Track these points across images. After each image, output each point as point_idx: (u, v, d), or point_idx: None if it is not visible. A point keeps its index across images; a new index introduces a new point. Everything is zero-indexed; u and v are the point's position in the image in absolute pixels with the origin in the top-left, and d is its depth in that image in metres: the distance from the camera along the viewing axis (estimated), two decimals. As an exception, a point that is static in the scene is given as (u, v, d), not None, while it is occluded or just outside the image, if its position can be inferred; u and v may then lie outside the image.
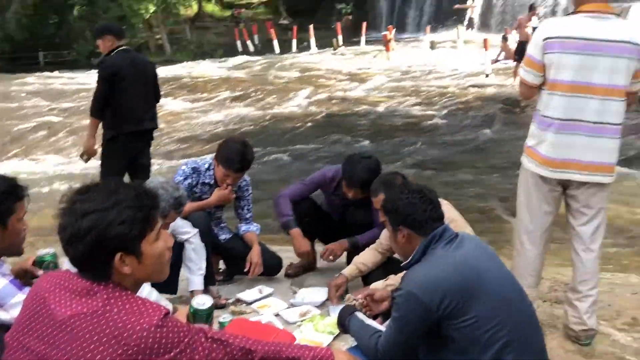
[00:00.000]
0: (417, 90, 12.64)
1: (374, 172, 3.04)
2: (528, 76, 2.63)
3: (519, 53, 12.04)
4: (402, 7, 30.15)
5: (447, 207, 2.47)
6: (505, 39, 15.92)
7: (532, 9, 12.81)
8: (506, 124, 9.42)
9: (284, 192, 3.30)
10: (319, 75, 15.72)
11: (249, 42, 25.68)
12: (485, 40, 14.20)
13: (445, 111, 10.59)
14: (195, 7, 33.89)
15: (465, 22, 25.30)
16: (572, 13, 2.53)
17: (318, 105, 11.64)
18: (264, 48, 24.95)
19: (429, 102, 11.38)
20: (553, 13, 21.72)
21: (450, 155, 7.83)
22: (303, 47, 24.43)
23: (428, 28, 21.84)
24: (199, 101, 12.62)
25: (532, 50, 2.60)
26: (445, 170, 7.10)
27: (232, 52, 25.09)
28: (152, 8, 22.86)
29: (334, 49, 23.09)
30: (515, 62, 13.78)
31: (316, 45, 24.01)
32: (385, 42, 18.42)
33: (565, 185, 2.59)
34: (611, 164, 2.52)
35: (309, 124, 10.07)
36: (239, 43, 26.10)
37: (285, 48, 23.85)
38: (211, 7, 37.57)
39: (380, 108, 11.16)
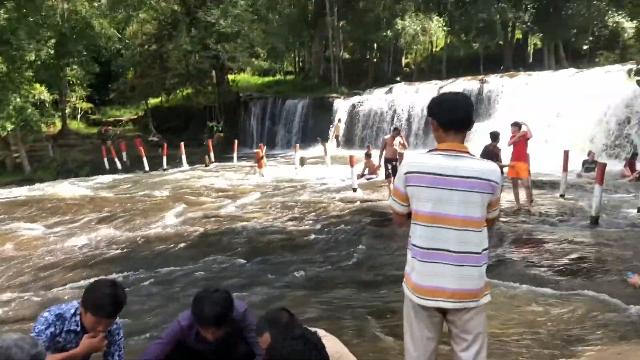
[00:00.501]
0: (291, 206, 12.92)
1: (224, 305, 3.00)
2: (395, 205, 2.83)
3: (388, 170, 13.08)
4: (272, 126, 31.56)
5: (331, 341, 2.45)
6: (368, 155, 17.11)
7: (396, 129, 14.08)
8: (377, 237, 9.82)
9: (142, 359, 3.14)
10: (191, 192, 15.58)
11: (116, 160, 25.02)
12: (350, 157, 15.09)
13: (318, 226, 10.84)
14: (59, 124, 32.74)
15: (332, 140, 27.06)
16: (431, 151, 2.79)
17: (192, 224, 11.40)
18: (133, 166, 24.47)
19: (302, 218, 11.62)
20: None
21: (325, 272, 7.91)
22: (174, 164, 24.32)
23: (297, 146, 22.87)
24: (61, 224, 11.83)
25: (397, 181, 2.81)
26: (321, 288, 7.11)
27: (99, 170, 24.30)
28: (9, 126, 21.67)
29: (206, 166, 23.23)
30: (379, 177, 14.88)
31: (187, 162, 24.03)
32: (258, 159, 18.92)
33: (443, 310, 2.69)
34: (476, 290, 2.68)
35: (182, 245, 9.77)
36: (106, 161, 25.39)
37: (155, 165, 23.56)
38: (76, 124, 36.57)
39: (256, 224, 11.18)
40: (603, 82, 20.72)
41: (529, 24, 36.48)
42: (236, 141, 26.21)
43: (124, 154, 25.77)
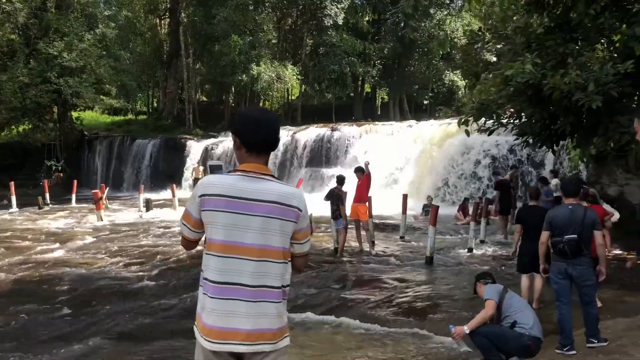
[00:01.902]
0: (127, 251, 11.98)
1: None
2: (185, 229, 2.50)
3: None
4: (119, 166, 29.79)
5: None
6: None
7: None
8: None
9: None
10: (14, 236, 13.88)
11: None
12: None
13: (156, 271, 10.10)
14: None
15: (190, 182, 26.06)
16: (232, 172, 2.51)
17: (7, 271, 10.04)
18: None
19: (140, 263, 10.78)
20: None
21: (149, 322, 7.25)
22: (3, 205, 21.81)
23: (142, 188, 21.66)
24: None
25: (189, 205, 2.48)
26: (142, 340, 6.46)
27: None
28: None
29: (39, 208, 21.10)
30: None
31: (18, 204, 21.63)
32: (96, 200, 17.51)
33: (238, 356, 2.37)
34: (274, 331, 2.40)
35: (-14, 296, 8.48)
36: None
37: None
38: None
39: (83, 271, 10.13)
40: (437, 133, 22.48)
41: (376, 78, 39.04)
42: (75, 182, 24.14)
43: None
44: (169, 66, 36.91)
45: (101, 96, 29.84)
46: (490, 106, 9.62)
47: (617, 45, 8.99)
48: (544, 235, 5.63)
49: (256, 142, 2.49)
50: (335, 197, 11.20)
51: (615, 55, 8.68)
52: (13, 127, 31.52)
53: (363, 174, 11.65)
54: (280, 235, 2.44)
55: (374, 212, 12.51)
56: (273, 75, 31.89)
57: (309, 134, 26.80)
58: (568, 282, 5.46)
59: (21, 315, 7.47)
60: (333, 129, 26.44)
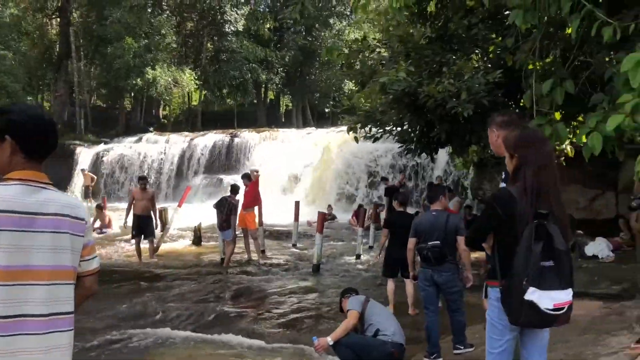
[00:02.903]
0: None
1: None
2: None
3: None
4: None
5: None
6: (100, 207, 15.73)
7: (142, 179, 12.01)
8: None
9: None
10: None
11: None
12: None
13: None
14: None
15: (79, 192, 24.40)
16: (5, 180, 2.12)
17: None
18: None
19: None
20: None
21: None
22: None
23: None
24: None
25: None
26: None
27: None
28: None
29: None
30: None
31: None
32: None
33: None
34: None
35: None
36: None
37: None
38: None
39: None
40: (335, 140, 22.69)
41: (279, 85, 38.99)
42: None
43: None
44: (59, 68, 34.68)
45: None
46: (375, 113, 9.68)
47: (491, 56, 9.35)
48: (411, 242, 5.64)
49: (39, 144, 2.14)
50: (227, 207, 10.85)
51: (490, 65, 9.00)
52: None
53: (250, 180, 11.38)
54: (71, 252, 2.10)
55: (270, 220, 12.30)
56: (170, 79, 30.88)
57: (207, 140, 26.15)
58: (434, 289, 5.48)
59: None
60: (233, 135, 25.97)
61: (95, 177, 24.34)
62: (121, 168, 26.17)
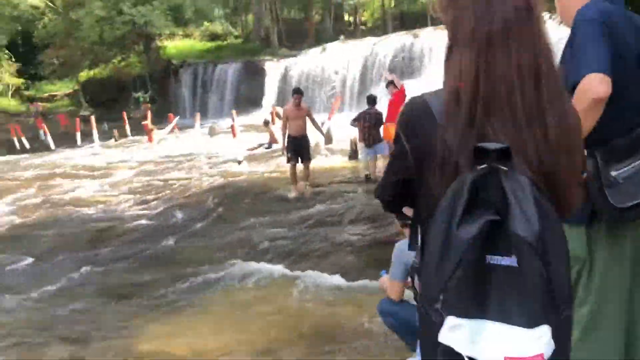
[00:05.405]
0: (153, 186, 11.37)
1: None
2: None
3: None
4: (204, 94, 29.51)
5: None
6: (266, 123, 15.54)
7: (297, 92, 9.93)
8: (213, 222, 8.30)
9: None
10: (57, 173, 13.89)
11: (15, 140, 23.11)
12: (232, 127, 13.48)
13: (160, 208, 9.33)
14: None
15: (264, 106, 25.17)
16: None
17: (20, 213, 9.82)
18: (64, 141, 22.64)
19: (150, 200, 10.08)
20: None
21: (96, 274, 6.40)
22: (90, 140, 22.59)
23: (197, 115, 21.17)
24: None
25: None
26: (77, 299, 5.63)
27: (12, 150, 22.62)
28: None
29: (115, 140, 21.50)
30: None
31: (101, 138, 22.20)
32: (148, 132, 17.20)
33: None
34: None
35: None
36: (16, 140, 23.48)
37: (87, 140, 22.00)
38: (7, 102, 34.29)
39: (89, 210, 9.63)
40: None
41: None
42: (149, 112, 23.76)
43: (41, 132, 23.78)
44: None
45: (181, 27, 29.20)
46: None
47: None
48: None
49: None
50: (375, 118, 9.79)
51: None
52: (111, 62, 32.47)
53: (396, 88, 9.78)
54: None
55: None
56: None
57: (390, 42, 24.31)
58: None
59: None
60: (415, 36, 23.74)
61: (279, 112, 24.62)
62: (307, 80, 25.96)
